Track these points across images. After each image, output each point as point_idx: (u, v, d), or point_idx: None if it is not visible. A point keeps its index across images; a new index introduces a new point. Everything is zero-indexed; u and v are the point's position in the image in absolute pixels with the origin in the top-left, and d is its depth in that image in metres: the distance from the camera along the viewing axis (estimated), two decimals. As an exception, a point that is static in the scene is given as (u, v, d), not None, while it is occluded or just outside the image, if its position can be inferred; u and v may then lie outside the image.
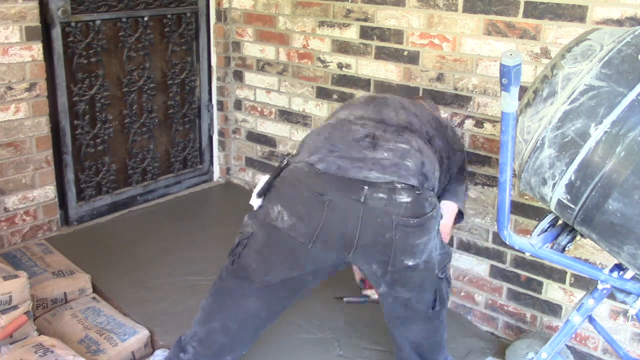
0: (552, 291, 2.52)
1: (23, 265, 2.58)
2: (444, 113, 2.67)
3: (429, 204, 1.82)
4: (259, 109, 3.50)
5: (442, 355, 2.15)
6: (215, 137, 3.74)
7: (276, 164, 2.01)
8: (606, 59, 1.51)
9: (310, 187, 1.78)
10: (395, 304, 1.96)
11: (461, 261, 2.75)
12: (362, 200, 1.75)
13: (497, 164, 1.63)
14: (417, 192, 1.79)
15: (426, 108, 2.14)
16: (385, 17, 2.78)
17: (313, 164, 1.79)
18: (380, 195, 1.76)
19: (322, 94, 3.14)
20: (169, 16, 3.35)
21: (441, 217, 1.95)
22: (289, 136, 3.37)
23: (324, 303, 2.67)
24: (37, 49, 2.77)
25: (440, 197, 2.06)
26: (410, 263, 1.83)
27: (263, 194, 1.89)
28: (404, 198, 1.77)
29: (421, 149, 1.87)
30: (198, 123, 3.67)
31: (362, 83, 2.94)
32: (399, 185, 1.77)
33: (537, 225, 1.81)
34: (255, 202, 1.91)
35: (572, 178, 1.52)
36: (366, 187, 1.75)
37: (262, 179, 1.92)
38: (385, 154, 1.80)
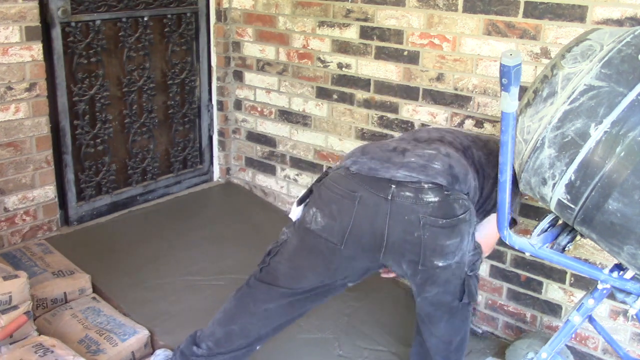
0: (552, 291, 2.52)
1: (23, 265, 2.58)
2: (444, 113, 2.67)
3: (460, 206, 1.83)
4: (259, 109, 3.50)
5: (463, 355, 2.14)
6: (215, 137, 3.74)
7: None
8: (606, 59, 1.51)
9: (343, 187, 1.88)
10: (423, 303, 1.99)
11: (461, 261, 2.75)
12: (389, 197, 1.82)
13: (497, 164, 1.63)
14: (446, 192, 1.82)
15: (463, 132, 2.26)
16: (385, 17, 2.78)
17: (348, 167, 1.90)
18: (407, 193, 1.82)
19: (322, 94, 3.14)
20: (169, 16, 3.35)
21: (478, 222, 1.98)
22: (289, 136, 3.37)
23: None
24: (37, 49, 2.77)
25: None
26: (440, 264, 1.86)
27: (302, 202, 1.98)
28: (431, 197, 1.81)
29: (449, 154, 1.90)
30: (198, 123, 3.67)
31: (362, 83, 2.94)
32: (426, 185, 1.82)
33: (537, 225, 1.81)
34: (294, 212, 1.99)
35: (572, 178, 1.52)
36: (393, 186, 1.83)
37: (303, 192, 2.03)
38: (413, 159, 1.88)
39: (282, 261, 1.96)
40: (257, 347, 2.10)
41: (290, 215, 2.02)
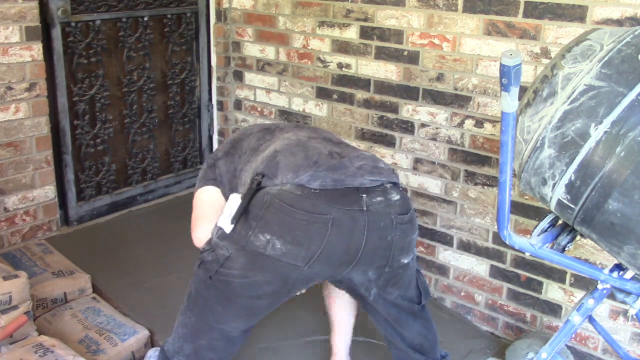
0: (552, 291, 2.52)
1: (23, 265, 2.58)
2: (444, 113, 2.68)
3: (409, 199, 1.90)
4: (259, 109, 3.50)
5: (438, 349, 2.17)
6: (215, 137, 3.74)
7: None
8: (606, 59, 1.51)
9: (307, 210, 1.70)
10: (385, 304, 1.97)
11: (461, 261, 2.75)
12: (365, 208, 1.75)
13: (497, 164, 1.63)
14: (400, 188, 1.88)
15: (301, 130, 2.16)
16: (385, 17, 2.78)
17: (304, 185, 1.72)
18: (378, 198, 1.78)
19: (322, 94, 3.14)
20: (169, 16, 3.35)
21: None
22: (289, 136, 3.37)
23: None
24: (37, 49, 2.77)
25: None
26: (405, 261, 1.87)
27: (237, 217, 1.78)
28: (395, 196, 1.82)
29: (373, 154, 1.94)
30: (198, 123, 3.67)
31: (362, 83, 2.94)
32: (388, 185, 1.82)
33: (537, 225, 1.81)
34: (227, 225, 1.80)
35: (572, 178, 1.52)
36: (364, 195, 1.76)
37: (233, 200, 1.84)
38: (361, 162, 1.81)
39: (231, 275, 1.80)
40: None
41: (220, 224, 1.82)
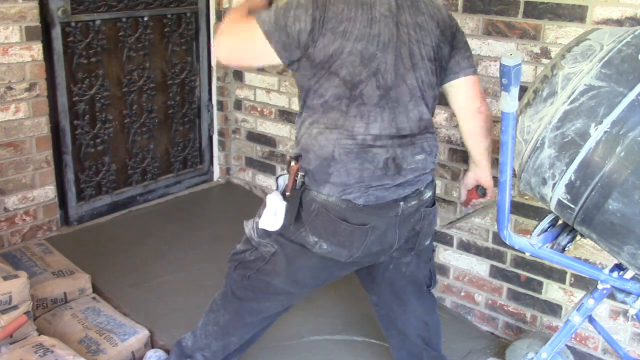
0: (552, 291, 2.52)
1: (23, 265, 2.58)
2: (444, 113, 2.67)
3: (435, 186, 1.96)
4: (259, 109, 3.50)
5: (441, 343, 2.20)
6: (215, 137, 3.74)
7: (283, 179, 1.87)
8: (606, 59, 1.51)
9: (351, 222, 1.77)
10: (397, 273, 2.03)
11: (461, 261, 2.75)
12: (400, 213, 1.82)
13: (497, 164, 1.63)
14: (432, 182, 1.93)
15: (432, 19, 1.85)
16: (385, 17, 2.77)
17: (351, 200, 1.76)
18: (412, 202, 1.85)
19: (322, 94, 3.13)
20: (169, 16, 3.35)
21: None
22: (289, 136, 3.37)
23: (331, 302, 2.68)
24: (37, 49, 2.77)
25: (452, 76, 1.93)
26: (428, 242, 2.00)
27: (291, 221, 1.80)
28: (428, 194, 1.90)
29: (432, 147, 1.86)
30: (198, 123, 3.67)
31: (362, 83, 2.94)
32: (423, 187, 1.87)
33: (537, 225, 1.81)
34: (273, 224, 1.81)
35: (572, 178, 1.52)
36: (401, 203, 1.82)
37: (273, 200, 1.81)
38: (410, 176, 1.82)
39: (276, 274, 1.88)
40: None
41: (263, 226, 1.83)
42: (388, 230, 1.82)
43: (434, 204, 1.94)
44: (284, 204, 1.80)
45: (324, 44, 1.68)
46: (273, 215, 1.81)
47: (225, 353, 2.06)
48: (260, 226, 1.84)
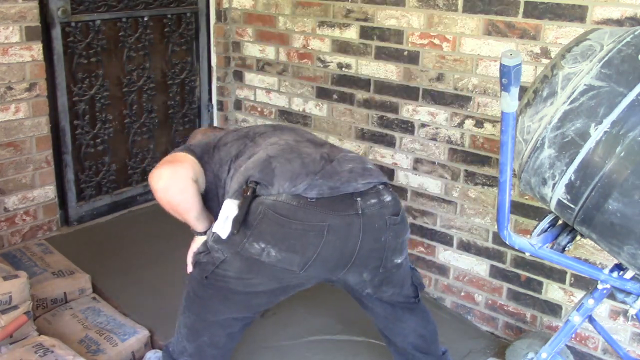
0: (552, 291, 2.52)
1: (23, 265, 2.58)
2: (444, 113, 2.67)
3: (398, 198, 1.91)
4: (259, 109, 3.50)
5: (439, 344, 2.19)
6: (215, 137, 3.74)
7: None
8: (606, 59, 1.51)
9: (303, 220, 1.71)
10: (380, 303, 2.01)
11: (461, 261, 2.75)
12: (360, 212, 1.76)
13: (497, 164, 1.63)
14: (389, 188, 1.88)
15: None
16: (385, 17, 2.78)
17: (301, 195, 1.72)
18: (372, 200, 1.79)
19: (322, 94, 3.13)
20: (169, 16, 3.35)
21: None
22: (289, 136, 3.37)
23: (331, 302, 2.67)
24: (37, 49, 2.77)
25: None
26: (398, 261, 1.90)
27: (238, 228, 1.75)
28: (387, 197, 1.84)
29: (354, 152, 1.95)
30: (198, 123, 3.67)
31: (362, 83, 2.94)
32: (380, 187, 1.84)
33: (537, 225, 1.81)
34: (223, 230, 1.78)
35: (572, 178, 1.52)
36: (358, 199, 1.77)
37: (228, 206, 1.80)
38: (350, 165, 1.82)
39: (227, 276, 1.81)
40: None
41: (214, 230, 1.81)
42: (349, 234, 1.74)
43: (398, 214, 1.85)
44: (236, 211, 1.77)
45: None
46: (224, 220, 1.78)
47: (205, 357, 1.96)
48: (213, 229, 1.82)
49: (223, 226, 1.78)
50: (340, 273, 1.84)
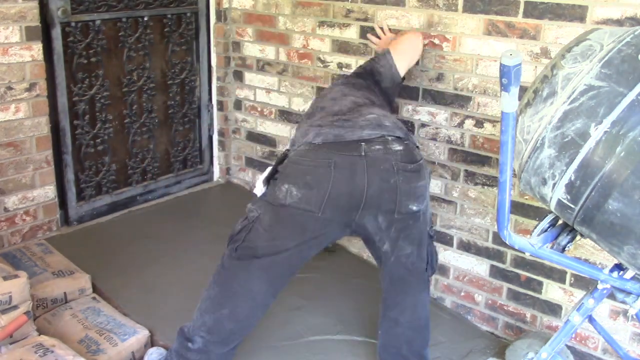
0: (552, 291, 2.52)
1: (23, 265, 2.58)
2: (444, 113, 2.67)
3: (417, 153, 2.06)
4: (259, 109, 3.50)
5: (428, 347, 2.23)
6: (215, 137, 3.74)
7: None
8: (606, 59, 1.51)
9: (313, 158, 1.97)
10: (396, 263, 2.07)
11: (461, 261, 2.75)
12: (363, 154, 1.95)
13: (497, 164, 1.63)
14: (405, 142, 2.03)
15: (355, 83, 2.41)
16: (385, 17, 2.78)
17: (311, 142, 1.99)
18: (377, 146, 1.97)
19: (322, 94, 3.13)
20: (169, 16, 3.35)
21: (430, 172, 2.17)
22: (289, 136, 3.37)
23: (331, 302, 2.68)
24: (37, 49, 2.77)
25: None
26: (414, 208, 2.01)
27: (268, 181, 2.04)
28: (397, 147, 2.00)
29: (386, 115, 2.14)
30: (198, 123, 3.67)
31: (362, 83, 2.94)
32: (389, 138, 2.00)
33: (537, 225, 1.81)
34: (260, 189, 2.06)
35: (572, 178, 1.52)
36: (363, 144, 1.96)
37: (266, 170, 2.08)
38: (369, 116, 2.06)
39: (258, 236, 2.00)
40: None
41: (255, 191, 2.10)
42: (355, 171, 1.93)
43: (411, 163, 1.99)
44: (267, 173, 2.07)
45: None
46: (263, 180, 2.06)
47: (222, 332, 2.04)
48: (254, 191, 2.09)
49: (258, 187, 2.07)
50: (356, 215, 1.98)
